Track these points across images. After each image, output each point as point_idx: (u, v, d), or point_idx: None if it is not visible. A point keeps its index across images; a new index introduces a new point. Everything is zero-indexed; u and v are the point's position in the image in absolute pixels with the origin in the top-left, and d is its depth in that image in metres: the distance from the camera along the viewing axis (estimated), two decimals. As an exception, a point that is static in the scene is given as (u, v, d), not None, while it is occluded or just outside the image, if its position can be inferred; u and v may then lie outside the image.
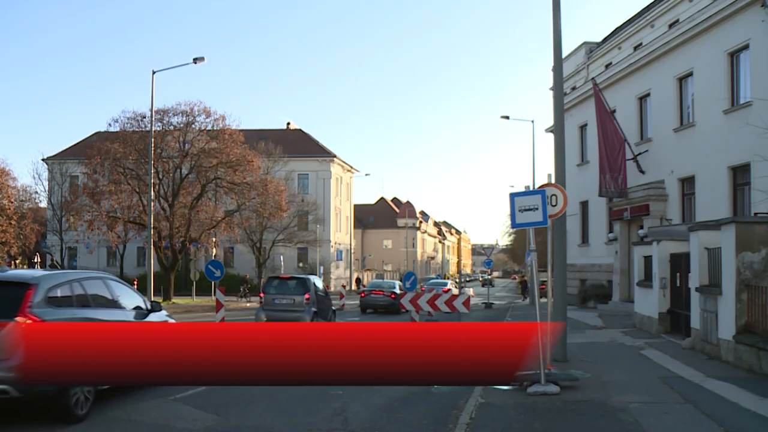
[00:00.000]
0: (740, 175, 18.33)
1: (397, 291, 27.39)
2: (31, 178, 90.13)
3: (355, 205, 73.24)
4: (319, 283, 19.70)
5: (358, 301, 35.28)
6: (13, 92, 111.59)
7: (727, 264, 10.20)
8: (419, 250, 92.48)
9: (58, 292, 7.43)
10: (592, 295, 27.04)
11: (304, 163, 59.38)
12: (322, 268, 52.64)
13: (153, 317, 9.27)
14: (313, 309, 17.88)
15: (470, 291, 40.29)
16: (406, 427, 7.19)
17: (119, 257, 54.18)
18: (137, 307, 9.05)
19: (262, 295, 18.52)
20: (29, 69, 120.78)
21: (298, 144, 60.91)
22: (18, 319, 6.57)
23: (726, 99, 18.64)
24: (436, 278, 62.49)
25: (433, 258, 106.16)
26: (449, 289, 32.94)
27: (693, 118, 20.74)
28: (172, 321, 10.12)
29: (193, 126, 34.27)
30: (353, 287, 59.27)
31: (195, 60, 26.02)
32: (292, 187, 51.47)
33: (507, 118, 37.16)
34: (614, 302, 24.51)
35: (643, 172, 23.12)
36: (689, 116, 21.14)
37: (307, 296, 17.70)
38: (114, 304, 8.44)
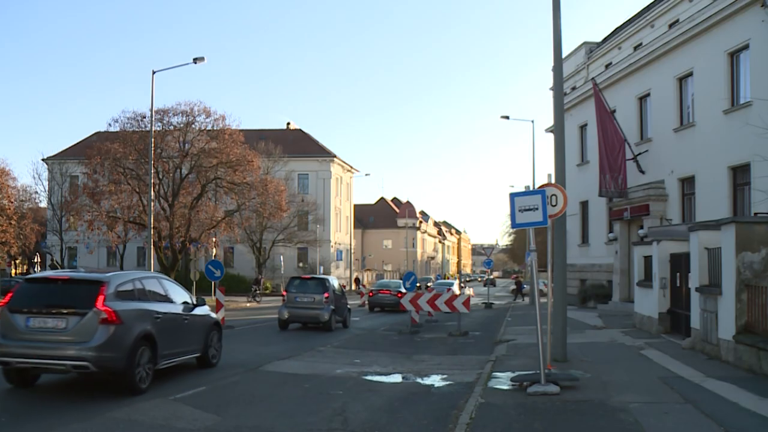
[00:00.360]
0: (740, 175, 18.32)
1: (403, 290, 28.23)
2: (31, 178, 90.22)
3: (355, 205, 73.23)
4: (336, 283, 21.00)
5: (359, 301, 35.45)
6: (13, 92, 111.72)
7: (727, 264, 10.19)
8: (419, 250, 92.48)
9: (124, 288, 9.06)
10: (592, 295, 27.03)
11: (304, 163, 59.39)
12: (322, 268, 52.59)
13: (198, 311, 11.02)
14: (332, 307, 19.30)
15: (470, 291, 40.31)
16: (406, 427, 7.19)
17: (119, 257, 54.13)
18: (185, 302, 10.69)
19: (285, 293, 19.91)
20: (29, 69, 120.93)
21: (298, 144, 60.91)
22: (95, 309, 8.29)
23: (726, 99, 18.64)
24: (437, 278, 62.55)
25: (433, 258, 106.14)
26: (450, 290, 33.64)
27: (693, 118, 20.74)
28: (213, 315, 12.01)
29: (193, 126, 34.26)
30: (353, 287, 59.31)
31: (195, 60, 26.02)
32: (292, 187, 51.47)
33: (507, 118, 37.19)
34: (614, 302, 24.51)
35: (643, 172, 23.12)
36: (689, 116, 21.14)
37: (326, 295, 19.18)
38: (166, 299, 10.06)
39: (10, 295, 8.85)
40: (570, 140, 25.78)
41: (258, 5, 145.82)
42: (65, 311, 8.36)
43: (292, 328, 19.44)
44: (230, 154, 33.30)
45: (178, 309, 10.31)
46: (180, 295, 10.67)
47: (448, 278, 67.14)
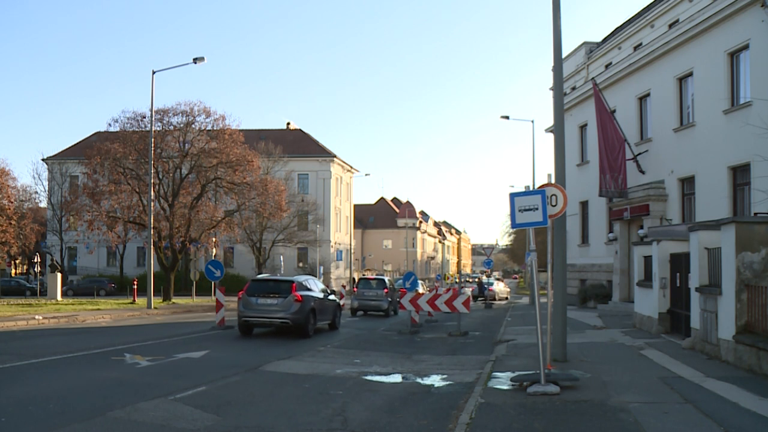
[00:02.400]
0: (740, 175, 18.33)
1: (420, 290, 29.91)
2: (31, 178, 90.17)
3: (355, 205, 73.25)
4: (388, 281, 27.79)
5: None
6: (13, 92, 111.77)
7: (727, 264, 10.19)
8: (419, 250, 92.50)
9: (301, 284, 17.21)
10: (592, 295, 27.04)
11: (304, 163, 59.39)
12: (322, 268, 52.61)
13: (330, 297, 19.06)
14: (389, 299, 25.85)
15: (470, 291, 40.24)
16: (406, 427, 7.19)
17: (119, 257, 54.17)
18: (323, 291, 18.71)
19: (355, 289, 27.34)
20: (29, 69, 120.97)
21: (298, 144, 60.93)
22: (292, 294, 16.35)
23: (726, 99, 18.64)
24: (437, 278, 62.45)
25: (433, 258, 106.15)
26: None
27: (693, 118, 20.74)
28: (337, 300, 19.89)
29: (193, 126, 34.24)
30: (354, 288, 59.39)
31: (195, 60, 26.04)
32: (292, 187, 51.48)
33: (507, 118, 37.22)
34: (614, 302, 24.51)
35: (643, 172, 23.12)
36: (689, 116, 21.14)
37: (385, 290, 26.10)
38: (316, 290, 18.06)
39: (246, 287, 17.26)
40: (570, 140, 25.81)
41: (258, 5, 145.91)
42: (276, 295, 16.55)
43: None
44: (230, 154, 33.28)
45: (321, 296, 18.19)
46: (321, 287, 18.75)
47: (451, 277, 66.92)
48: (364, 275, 34.29)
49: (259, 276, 20.65)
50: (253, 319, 16.64)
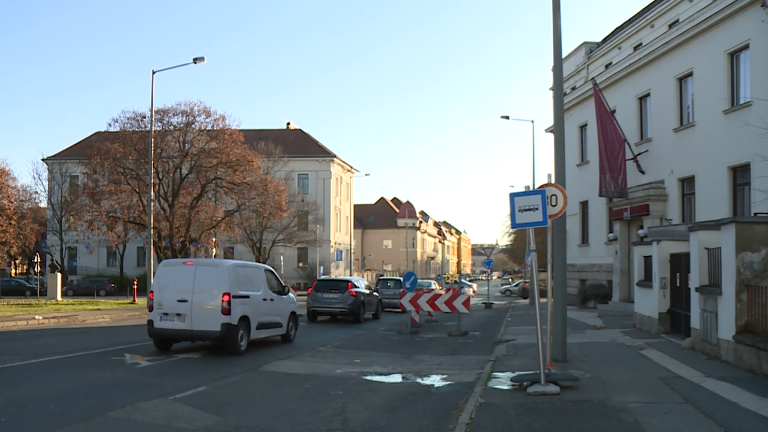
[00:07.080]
0: (740, 175, 18.32)
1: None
2: (31, 178, 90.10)
3: (355, 205, 73.23)
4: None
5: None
6: (13, 92, 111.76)
7: (727, 264, 10.19)
8: (419, 250, 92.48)
9: (355, 283, 22.98)
10: (592, 295, 27.03)
11: (304, 163, 59.38)
12: (322, 268, 52.59)
13: (374, 294, 25.03)
14: None
15: (470, 291, 40.26)
16: (406, 427, 7.19)
17: (119, 257, 54.14)
18: (368, 287, 24.27)
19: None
20: (29, 69, 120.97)
21: (298, 144, 60.92)
22: (348, 290, 21.90)
23: (726, 99, 18.63)
24: (438, 278, 62.39)
25: (433, 258, 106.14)
26: None
27: (693, 118, 20.73)
28: (380, 296, 25.80)
29: (193, 126, 34.25)
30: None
31: (195, 60, 26.03)
32: (292, 187, 51.46)
33: (507, 118, 37.20)
34: (614, 302, 24.51)
35: (643, 172, 23.12)
36: (689, 116, 21.14)
37: (402, 290, 29.23)
38: (362, 287, 23.35)
39: (314, 284, 22.67)
40: (570, 140, 25.80)
41: (258, 5, 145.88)
42: (336, 291, 21.66)
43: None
44: (230, 154, 33.29)
45: (367, 292, 23.46)
46: (365, 284, 24.14)
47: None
48: (383, 276, 40.50)
49: (323, 277, 28.29)
50: (319, 309, 21.81)
